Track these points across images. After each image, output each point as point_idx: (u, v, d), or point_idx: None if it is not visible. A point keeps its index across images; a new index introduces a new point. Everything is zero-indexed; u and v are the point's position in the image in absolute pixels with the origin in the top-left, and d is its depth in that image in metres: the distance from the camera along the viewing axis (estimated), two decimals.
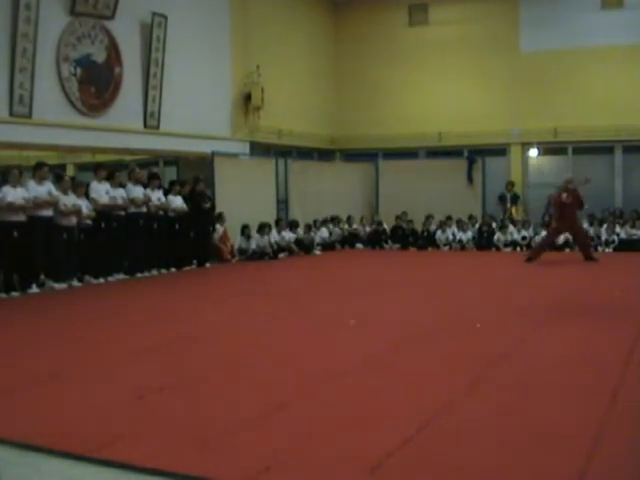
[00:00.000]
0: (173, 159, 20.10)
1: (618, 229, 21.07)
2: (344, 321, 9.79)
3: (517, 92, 24.42)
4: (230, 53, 21.09)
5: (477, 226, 22.51)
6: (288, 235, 20.42)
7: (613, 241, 20.81)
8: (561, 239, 19.82)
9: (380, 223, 23.44)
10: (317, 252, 21.14)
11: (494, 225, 22.37)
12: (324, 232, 22.17)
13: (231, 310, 11.31)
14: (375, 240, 23.10)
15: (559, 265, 17.40)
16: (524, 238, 21.64)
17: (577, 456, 4.62)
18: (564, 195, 18.00)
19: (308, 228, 21.57)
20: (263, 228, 19.27)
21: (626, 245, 20.40)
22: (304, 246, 20.71)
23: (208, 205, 18.06)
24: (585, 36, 23.61)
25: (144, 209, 15.96)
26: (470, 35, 25.08)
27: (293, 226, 21.01)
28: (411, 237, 22.75)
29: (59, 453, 4.85)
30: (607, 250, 20.54)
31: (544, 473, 4.40)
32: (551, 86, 23.95)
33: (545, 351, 7.85)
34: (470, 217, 22.72)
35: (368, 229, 23.66)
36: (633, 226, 20.98)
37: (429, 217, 22.77)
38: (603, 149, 24.10)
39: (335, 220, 22.91)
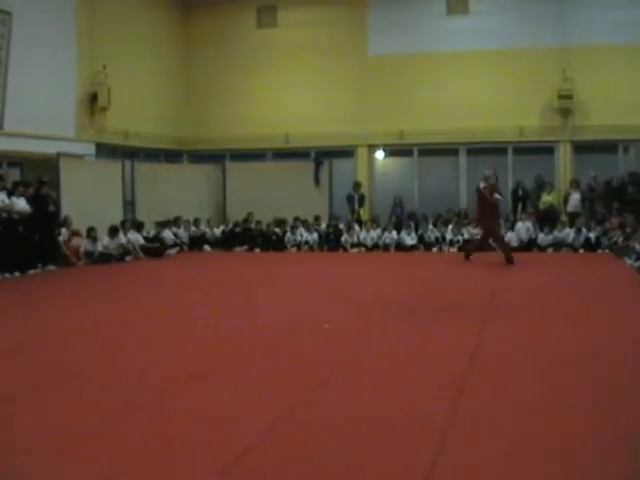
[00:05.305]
0: (17, 160, 19.82)
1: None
2: (193, 323, 10.11)
3: (365, 95, 25.32)
4: (76, 52, 21.12)
5: (324, 227, 23.02)
6: (134, 237, 20.42)
7: (458, 241, 21.64)
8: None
9: (228, 225, 23.65)
10: (170, 253, 21.22)
11: (341, 226, 22.90)
12: (169, 234, 22.25)
13: (77, 314, 11.40)
14: (224, 242, 23.34)
15: (411, 264, 18.15)
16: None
17: (424, 455, 4.87)
18: (486, 191, 18.01)
19: (157, 229, 21.62)
20: (114, 231, 19.28)
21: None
22: (153, 249, 20.69)
23: (52, 208, 17.89)
24: (431, 41, 24.82)
25: None
26: (319, 38, 25.88)
27: (139, 227, 21.05)
28: (259, 238, 23.05)
29: None
30: (452, 250, 21.36)
31: (391, 473, 4.63)
32: (398, 90, 24.95)
33: (391, 350, 8.29)
34: (316, 218, 23.26)
35: (216, 231, 23.85)
36: (476, 226, 21.84)
37: (281, 221, 23.18)
38: (448, 151, 25.23)
39: (178, 221, 23.04)
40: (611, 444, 5.10)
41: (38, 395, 6.57)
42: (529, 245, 21.45)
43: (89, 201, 19.86)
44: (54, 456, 4.98)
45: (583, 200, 22.68)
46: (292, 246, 22.84)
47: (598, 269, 17.03)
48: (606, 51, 23.17)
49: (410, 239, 22.15)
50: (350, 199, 24.33)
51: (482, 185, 18.06)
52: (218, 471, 4.66)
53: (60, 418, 5.81)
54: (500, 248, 18.16)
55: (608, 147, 23.83)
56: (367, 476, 4.61)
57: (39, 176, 18.27)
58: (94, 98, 21.63)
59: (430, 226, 22.45)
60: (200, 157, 26.83)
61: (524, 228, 21.71)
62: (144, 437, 5.33)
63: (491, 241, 18.75)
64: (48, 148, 19.34)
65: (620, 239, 19.81)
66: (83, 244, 19.09)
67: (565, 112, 23.80)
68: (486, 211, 17.98)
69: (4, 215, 16.23)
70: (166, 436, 5.36)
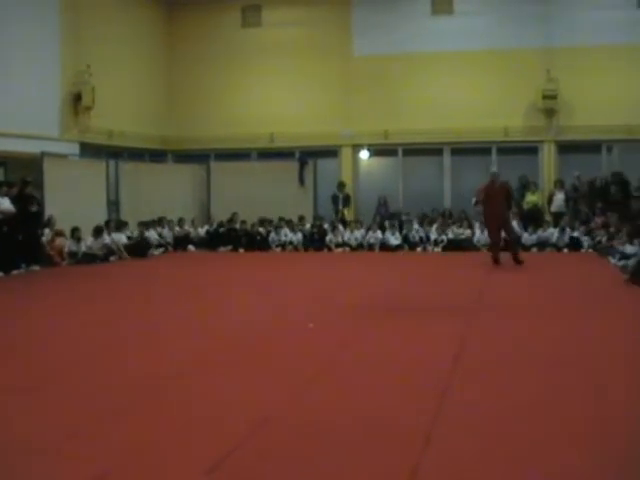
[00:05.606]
0: (1, 159, 19.76)
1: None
2: (179, 323, 10.16)
3: (349, 95, 25.38)
4: (59, 51, 21.15)
5: (308, 227, 23.04)
6: (118, 236, 20.39)
7: (442, 241, 21.72)
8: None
9: (213, 225, 23.63)
10: (154, 253, 21.26)
11: (326, 226, 22.92)
12: (153, 234, 22.28)
13: (64, 314, 11.43)
14: (208, 242, 23.33)
15: (395, 264, 18.19)
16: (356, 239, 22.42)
17: (409, 454, 4.90)
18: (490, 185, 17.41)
19: (140, 229, 21.58)
20: (99, 231, 19.25)
21: (454, 245, 21.35)
22: (137, 249, 20.66)
23: (35, 208, 17.80)
24: (416, 41, 24.92)
25: None
26: (303, 38, 25.97)
27: (119, 227, 20.99)
28: (244, 238, 23.05)
29: None
30: (436, 250, 21.44)
31: (378, 471, 4.65)
32: (383, 90, 25.03)
33: (377, 349, 8.30)
34: (300, 218, 23.28)
35: (201, 231, 23.84)
36: (461, 226, 21.95)
37: (264, 221, 23.20)
38: (432, 151, 25.27)
39: (163, 221, 23.07)
40: (609, 444, 5.13)
41: (31, 395, 6.56)
42: None
43: (73, 201, 19.85)
44: (48, 456, 5.00)
45: (567, 200, 22.82)
46: (276, 246, 22.86)
47: (583, 268, 17.16)
48: (590, 52, 23.38)
49: (394, 239, 22.20)
50: (335, 199, 24.42)
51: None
52: (204, 470, 4.69)
53: (51, 419, 5.83)
54: (496, 244, 17.70)
55: (592, 147, 24.02)
56: (351, 476, 4.62)
57: (23, 176, 18.23)
58: (78, 98, 21.67)
59: (415, 226, 22.51)
60: (184, 157, 26.87)
61: None
62: (132, 437, 5.36)
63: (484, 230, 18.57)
64: (32, 148, 19.33)
65: (604, 239, 19.91)
66: (67, 244, 19.06)
67: (549, 112, 23.97)
68: (493, 205, 17.12)
69: None
70: (154, 436, 5.39)
